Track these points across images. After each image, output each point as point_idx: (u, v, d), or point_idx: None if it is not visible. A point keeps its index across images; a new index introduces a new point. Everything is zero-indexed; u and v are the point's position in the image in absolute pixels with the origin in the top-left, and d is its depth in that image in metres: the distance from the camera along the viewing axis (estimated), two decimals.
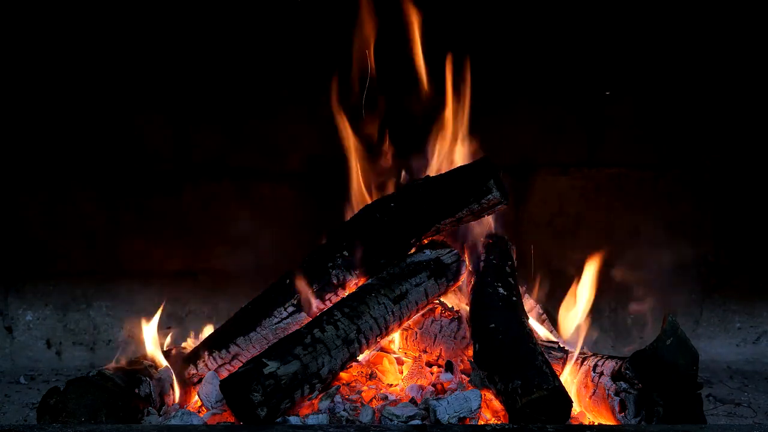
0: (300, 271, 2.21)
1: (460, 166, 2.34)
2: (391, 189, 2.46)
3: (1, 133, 3.00)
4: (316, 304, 2.20)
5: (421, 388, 2.09)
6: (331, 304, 2.17)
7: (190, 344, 2.36)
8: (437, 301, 2.29)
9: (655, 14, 2.97)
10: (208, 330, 2.39)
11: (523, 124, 3.04)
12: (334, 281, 2.23)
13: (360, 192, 2.46)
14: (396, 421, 1.87)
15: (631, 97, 3.05)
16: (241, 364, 2.00)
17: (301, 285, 2.19)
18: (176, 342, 2.40)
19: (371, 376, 2.17)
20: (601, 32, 2.98)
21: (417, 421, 1.87)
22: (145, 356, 2.22)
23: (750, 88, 3.03)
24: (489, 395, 1.97)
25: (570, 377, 2.08)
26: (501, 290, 2.20)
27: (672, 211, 3.10)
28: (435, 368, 2.23)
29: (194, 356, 2.24)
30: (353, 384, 2.11)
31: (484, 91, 2.52)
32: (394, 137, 2.57)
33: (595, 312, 2.99)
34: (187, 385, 2.19)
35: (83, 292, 3.09)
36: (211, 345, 2.24)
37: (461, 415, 1.86)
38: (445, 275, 2.23)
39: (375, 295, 2.10)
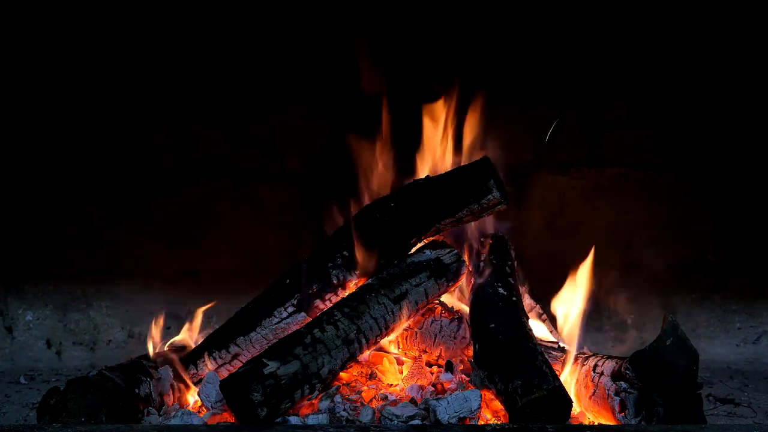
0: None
1: (460, 166, 2.34)
2: None
3: (2, 134, 3.00)
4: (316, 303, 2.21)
5: (421, 388, 2.09)
6: (331, 304, 2.17)
7: (189, 344, 2.36)
8: (437, 301, 2.29)
9: (654, 15, 2.96)
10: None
11: (523, 123, 3.04)
12: (334, 281, 2.23)
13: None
14: (396, 421, 1.86)
15: (630, 97, 3.04)
16: (241, 364, 2.00)
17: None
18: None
19: (371, 376, 2.17)
20: (600, 32, 2.98)
21: (417, 421, 1.87)
22: (145, 356, 2.22)
23: (749, 88, 3.03)
24: (489, 395, 1.97)
25: (570, 377, 2.08)
26: (501, 290, 2.20)
27: (672, 211, 3.10)
28: (435, 368, 2.23)
29: (194, 356, 2.25)
30: (353, 384, 2.11)
31: (484, 91, 2.52)
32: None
33: (595, 312, 3.00)
34: (187, 385, 2.19)
35: (83, 292, 3.09)
36: (211, 345, 2.24)
37: (461, 415, 1.86)
38: (445, 275, 2.23)
39: (375, 295, 2.10)
